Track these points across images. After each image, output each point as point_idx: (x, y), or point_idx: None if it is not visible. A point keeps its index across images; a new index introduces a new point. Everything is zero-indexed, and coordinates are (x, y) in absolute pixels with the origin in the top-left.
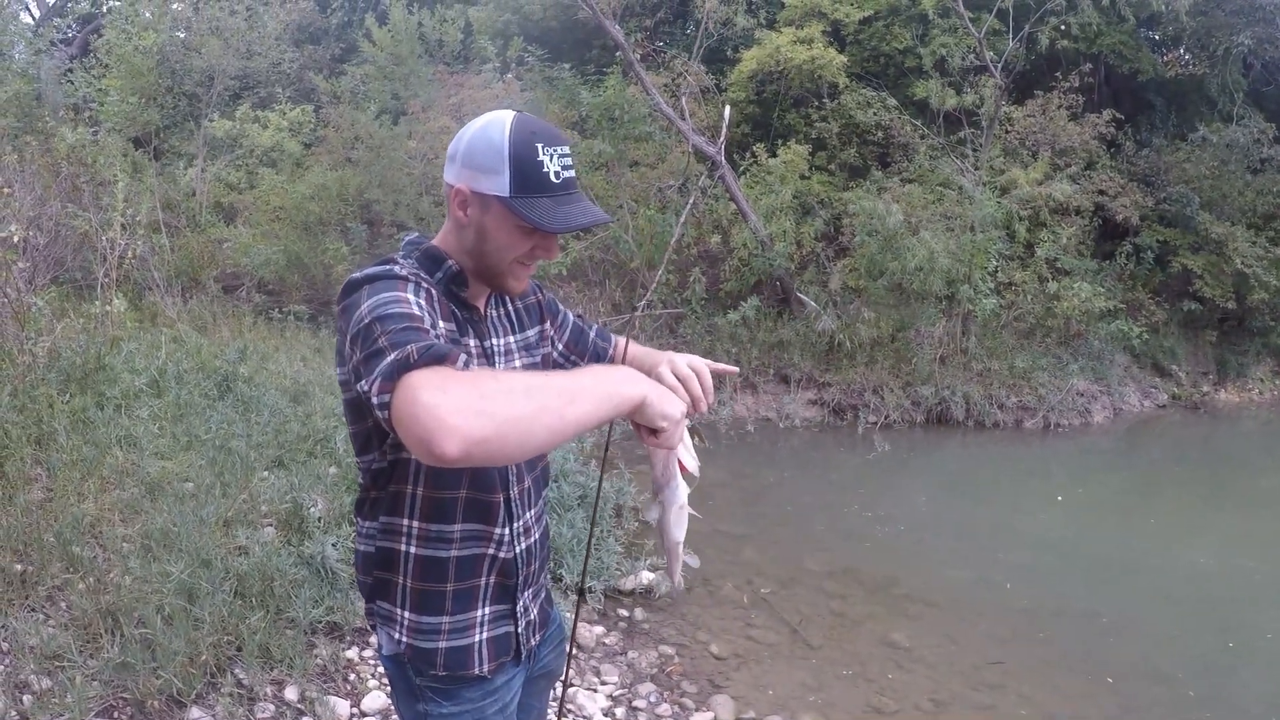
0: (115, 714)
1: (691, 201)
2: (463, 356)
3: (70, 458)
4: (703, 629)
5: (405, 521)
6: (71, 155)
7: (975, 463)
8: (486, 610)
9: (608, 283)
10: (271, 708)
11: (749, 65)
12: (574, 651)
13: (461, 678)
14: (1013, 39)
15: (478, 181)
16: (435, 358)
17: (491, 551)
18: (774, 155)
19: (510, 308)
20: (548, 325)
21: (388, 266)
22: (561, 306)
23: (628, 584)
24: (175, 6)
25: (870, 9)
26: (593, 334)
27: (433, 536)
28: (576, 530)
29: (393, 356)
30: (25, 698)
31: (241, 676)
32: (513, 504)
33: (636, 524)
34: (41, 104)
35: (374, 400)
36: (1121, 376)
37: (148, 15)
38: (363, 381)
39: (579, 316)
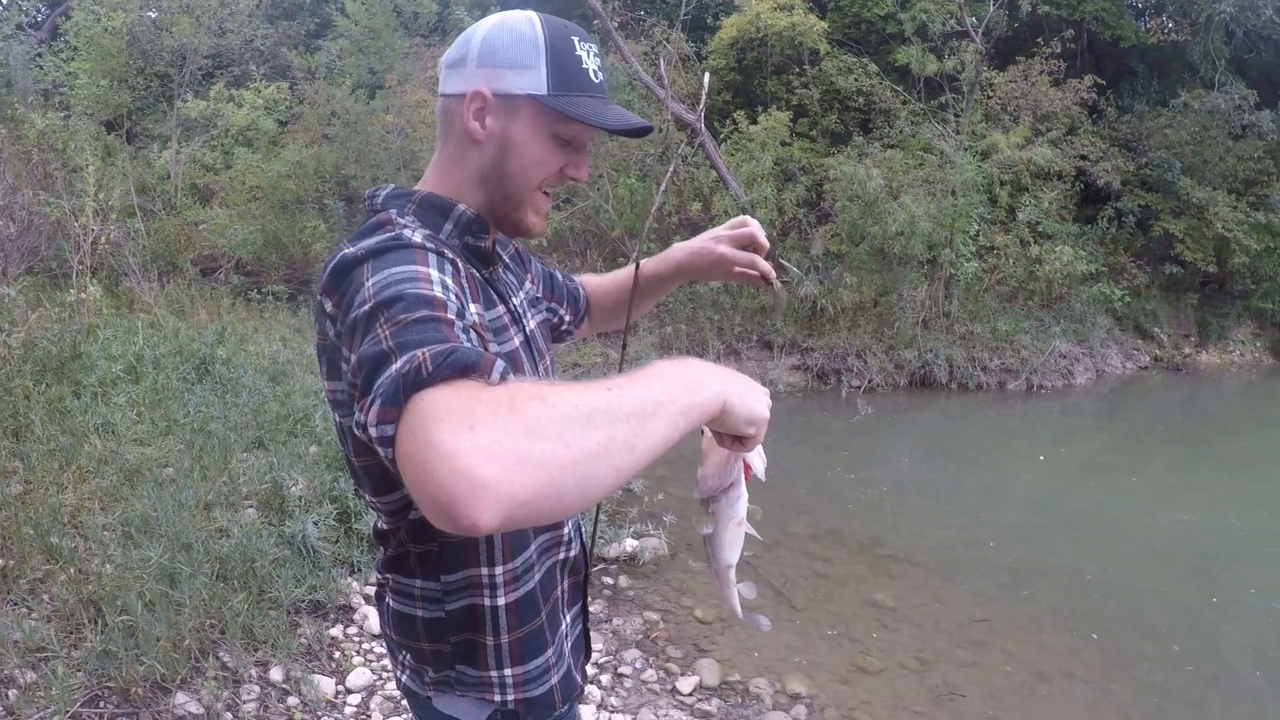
0: (101, 703)
1: (672, 169)
2: (499, 365)
3: (47, 448)
4: (687, 594)
5: (486, 571)
6: (42, 142)
7: (958, 425)
8: (568, 617)
9: (589, 252)
10: (257, 689)
11: (729, 32)
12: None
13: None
14: (994, 4)
15: (502, 80)
16: (458, 368)
17: (563, 555)
18: (755, 122)
19: (508, 265)
20: (531, 272)
21: (394, 234)
22: (531, 258)
23: (612, 551)
24: None
25: None
26: (560, 276)
27: (520, 574)
28: None
29: (398, 365)
30: (10, 693)
31: (226, 659)
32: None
33: (620, 492)
34: (11, 90)
35: (372, 433)
36: (1103, 339)
37: None
38: (358, 405)
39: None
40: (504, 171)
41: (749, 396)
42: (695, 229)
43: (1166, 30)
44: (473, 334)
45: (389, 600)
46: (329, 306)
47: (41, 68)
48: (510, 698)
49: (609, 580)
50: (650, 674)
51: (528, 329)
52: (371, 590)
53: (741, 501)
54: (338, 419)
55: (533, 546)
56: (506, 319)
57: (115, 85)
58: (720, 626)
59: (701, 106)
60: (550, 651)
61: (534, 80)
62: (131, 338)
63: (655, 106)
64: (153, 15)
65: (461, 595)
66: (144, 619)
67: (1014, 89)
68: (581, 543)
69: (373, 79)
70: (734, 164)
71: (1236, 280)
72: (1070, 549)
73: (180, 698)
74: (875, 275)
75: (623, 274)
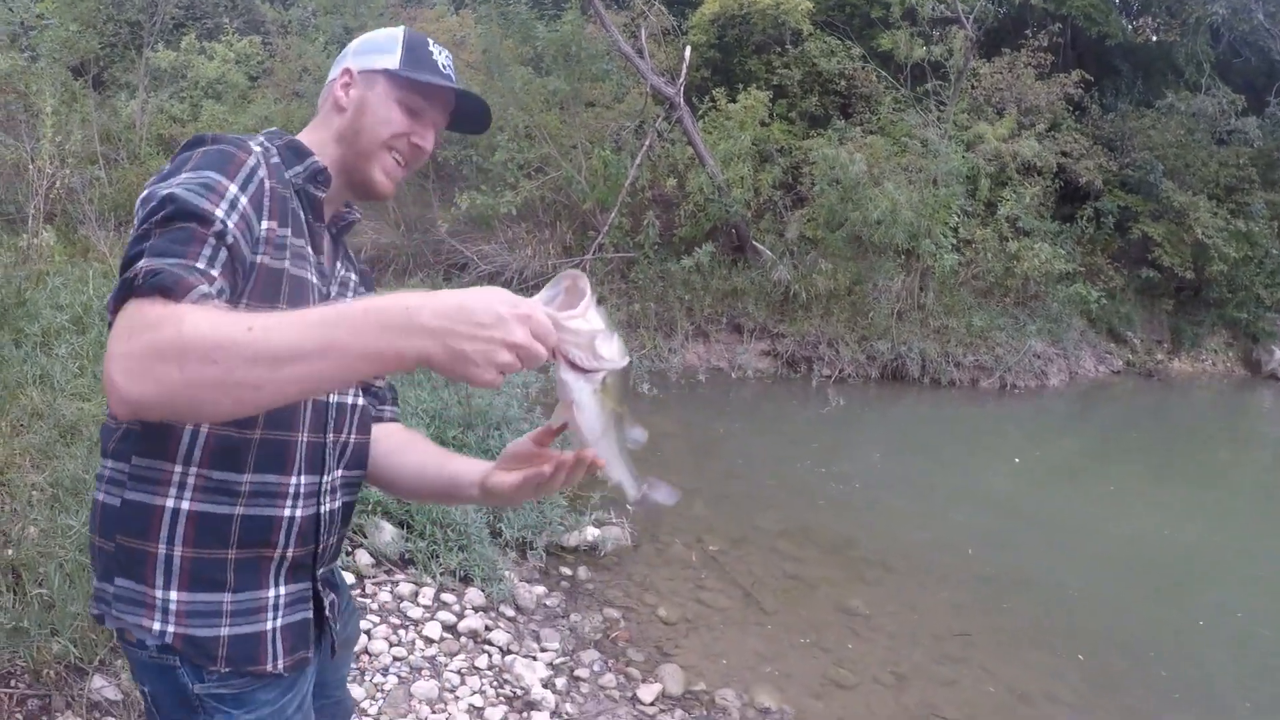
0: (12, 681)
1: (648, 144)
2: (196, 291)
3: None
4: (650, 590)
5: (180, 469)
6: (4, 84)
7: (931, 421)
8: (281, 591)
9: (559, 224)
10: None
11: (712, 8)
12: (513, 616)
13: (252, 674)
14: None
15: (366, 60)
16: (158, 287)
17: (287, 512)
18: (734, 101)
19: (344, 245)
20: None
21: (240, 139)
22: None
23: (571, 540)
24: None
25: None
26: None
27: (214, 487)
28: None
29: (128, 273)
30: None
31: None
32: (327, 452)
33: (585, 476)
34: None
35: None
36: (1077, 340)
37: None
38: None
39: None
40: (357, 128)
41: (468, 351)
42: (667, 205)
43: (1153, 29)
44: (222, 252)
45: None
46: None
47: (11, 9)
48: (171, 629)
49: (567, 571)
50: (609, 678)
51: (330, 288)
52: None
53: (567, 386)
54: None
55: (247, 475)
56: (306, 252)
57: (84, 30)
58: (685, 629)
59: (681, 81)
60: (228, 597)
61: (390, 60)
62: (82, 286)
63: (634, 79)
64: None
65: (144, 486)
66: (62, 592)
67: (999, 80)
68: (326, 519)
69: (346, 37)
70: (711, 141)
71: (1213, 288)
72: (1050, 559)
73: (97, 681)
74: (850, 263)
75: (435, 467)
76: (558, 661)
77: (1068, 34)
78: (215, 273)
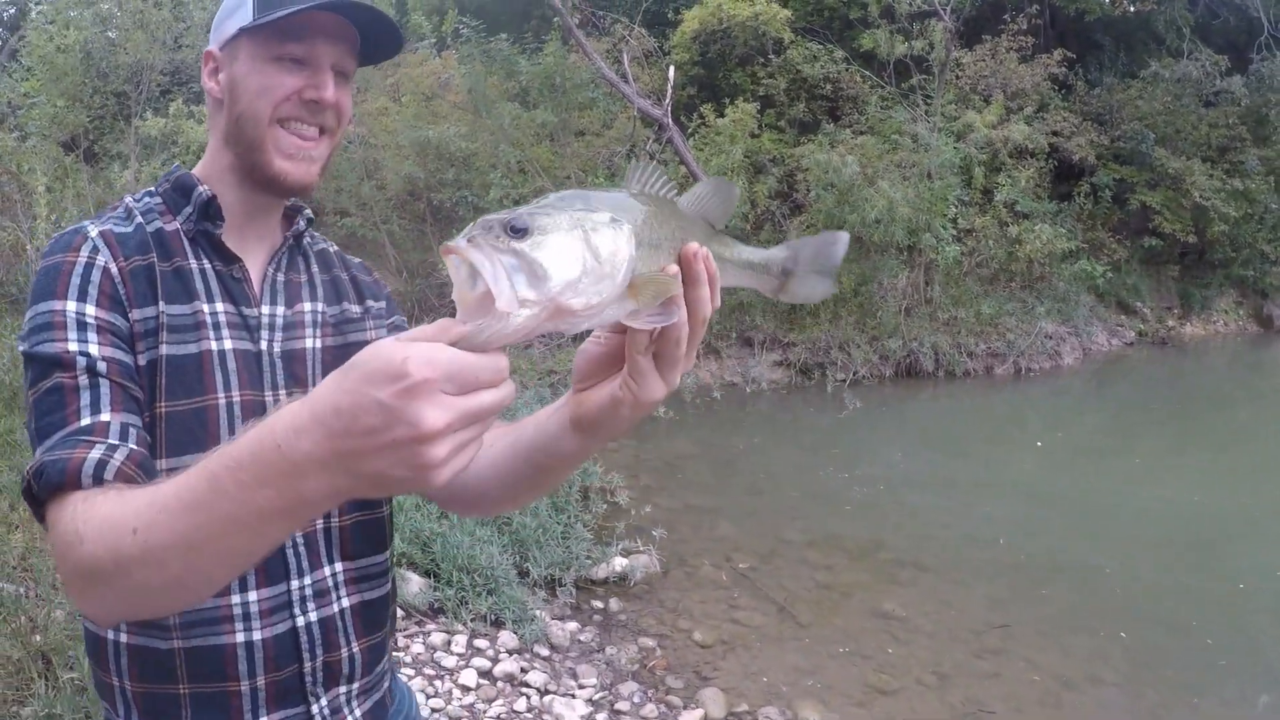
0: None
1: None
2: (92, 454)
3: None
4: (684, 615)
5: None
6: None
7: (949, 414)
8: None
9: None
10: None
11: (691, 25)
12: (548, 655)
13: None
14: None
15: (221, 31)
16: (49, 487)
17: (240, 637)
18: (722, 115)
19: (313, 275)
20: (377, 303)
21: (69, 235)
22: (397, 309)
23: (600, 573)
24: (105, 6)
25: None
26: None
27: (143, 619)
28: (542, 519)
29: (29, 465)
30: None
31: None
32: (296, 551)
33: (605, 506)
34: None
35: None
36: (1087, 317)
37: (73, 14)
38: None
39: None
40: (237, 116)
41: (385, 471)
42: None
43: (1131, 1)
44: (102, 385)
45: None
46: None
47: None
48: None
49: (598, 604)
50: (650, 709)
51: (264, 342)
52: None
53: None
54: None
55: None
56: (204, 318)
57: (71, 105)
58: (722, 650)
59: (667, 100)
60: None
61: (242, 15)
62: None
63: (621, 104)
64: (112, 35)
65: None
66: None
67: (983, 68)
68: (309, 631)
69: None
70: (703, 158)
71: (1216, 249)
72: (1082, 542)
73: None
74: (854, 264)
75: (511, 444)
76: (597, 697)
77: (1046, 14)
78: (105, 416)
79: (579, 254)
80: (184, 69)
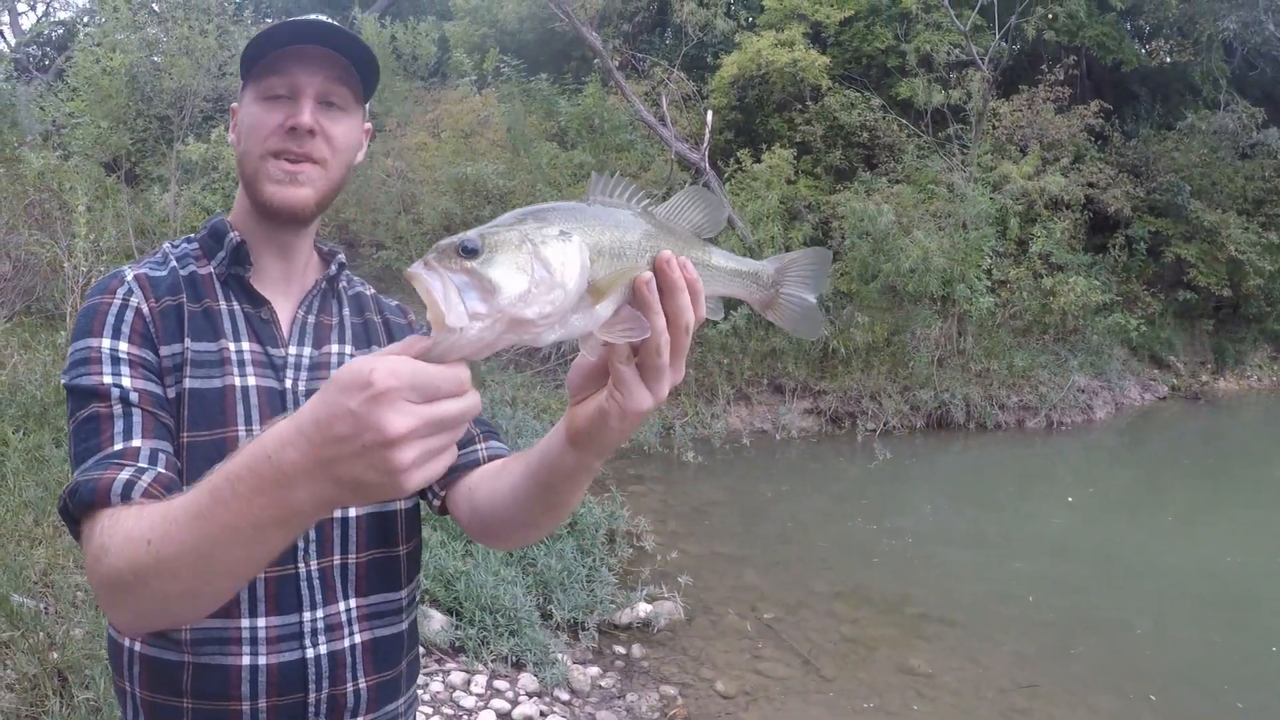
0: None
1: None
2: (122, 475)
3: (19, 500)
4: (706, 664)
5: None
6: (39, 182)
7: (980, 466)
8: None
9: None
10: None
11: (730, 70)
12: (568, 699)
13: None
14: (998, 33)
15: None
16: (82, 505)
17: (246, 660)
18: (759, 161)
19: (344, 318)
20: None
21: (108, 279)
22: None
23: (624, 618)
24: (151, 31)
25: (851, 9)
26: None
27: (158, 632)
28: (567, 561)
29: (67, 487)
30: None
31: None
32: (308, 584)
33: (631, 550)
34: (17, 130)
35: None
36: (1120, 370)
37: (119, 37)
38: None
39: None
40: (240, 157)
41: (360, 476)
42: None
43: (1167, 51)
44: (135, 414)
45: None
46: None
47: (43, 109)
48: None
49: (620, 650)
50: None
51: (289, 380)
52: None
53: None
54: None
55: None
56: (229, 355)
57: (114, 126)
58: (744, 701)
59: (705, 145)
60: None
61: (241, 71)
62: None
63: (658, 147)
64: (157, 60)
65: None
66: (109, 696)
67: (1019, 118)
68: (318, 664)
69: (373, 122)
70: (739, 203)
71: (1251, 303)
72: (1112, 599)
73: None
74: (887, 314)
75: (522, 468)
76: None
77: (1083, 65)
78: (137, 441)
79: (527, 266)
80: (227, 96)
